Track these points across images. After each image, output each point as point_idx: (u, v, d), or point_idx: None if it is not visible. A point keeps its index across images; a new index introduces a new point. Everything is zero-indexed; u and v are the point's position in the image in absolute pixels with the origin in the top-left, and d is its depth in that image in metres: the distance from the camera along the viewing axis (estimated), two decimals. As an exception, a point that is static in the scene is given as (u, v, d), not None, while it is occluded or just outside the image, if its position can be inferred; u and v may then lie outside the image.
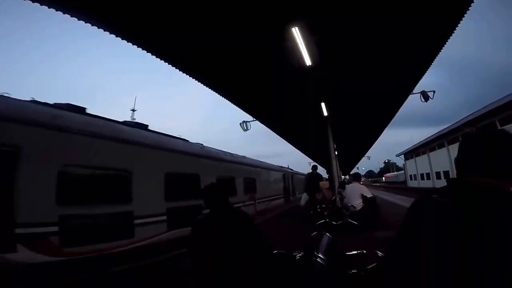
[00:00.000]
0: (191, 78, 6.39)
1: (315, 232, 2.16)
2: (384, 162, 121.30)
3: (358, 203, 6.67)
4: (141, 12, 4.07)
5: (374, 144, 20.55)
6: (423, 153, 33.72)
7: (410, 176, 40.97)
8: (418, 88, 8.32)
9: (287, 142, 16.30)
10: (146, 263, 4.56)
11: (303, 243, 2.12)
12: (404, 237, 0.97)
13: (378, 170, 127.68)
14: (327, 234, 2.11)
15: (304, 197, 8.96)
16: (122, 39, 4.58)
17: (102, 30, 4.29)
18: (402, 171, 52.21)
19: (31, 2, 3.43)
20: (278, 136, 14.02)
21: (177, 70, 5.90)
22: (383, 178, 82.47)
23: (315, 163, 11.85)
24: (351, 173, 33.70)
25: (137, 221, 4.93)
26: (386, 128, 14.04)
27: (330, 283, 1.70)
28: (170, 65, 5.65)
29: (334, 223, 6.70)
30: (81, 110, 5.20)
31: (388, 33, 5.02)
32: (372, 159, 33.50)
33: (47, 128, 3.95)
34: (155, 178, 5.81)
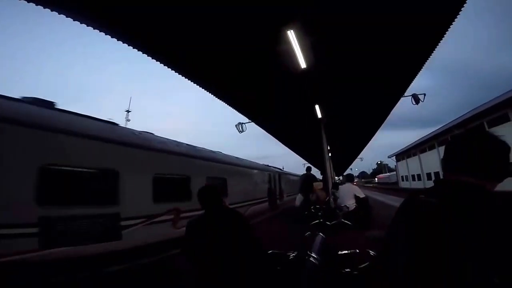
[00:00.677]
0: (189, 81, 6.44)
1: (309, 232, 2.20)
2: (377, 163, 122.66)
3: (351, 204, 6.76)
4: (137, 13, 4.08)
5: (367, 146, 20.81)
6: (414, 154, 34.19)
7: (402, 177, 41.47)
8: (410, 91, 8.49)
9: (282, 144, 16.42)
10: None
11: (297, 243, 2.16)
12: (393, 236, 1.00)
13: (371, 171, 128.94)
14: (321, 234, 2.15)
15: (299, 198, 9.04)
16: (118, 40, 4.58)
17: (98, 31, 4.29)
18: (394, 172, 52.84)
19: (26, 2, 3.41)
20: (274, 138, 14.12)
21: (173, 72, 5.91)
22: (376, 179, 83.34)
23: (309, 165, 11.71)
24: (344, 174, 34.03)
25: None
26: (378, 130, 14.24)
27: (323, 282, 1.74)
28: (166, 67, 5.65)
29: (328, 223, 6.79)
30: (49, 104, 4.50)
31: (381, 36, 5.12)
32: (365, 160, 33.83)
33: None
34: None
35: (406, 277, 0.84)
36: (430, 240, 0.81)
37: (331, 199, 8.21)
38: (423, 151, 30.96)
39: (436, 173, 26.03)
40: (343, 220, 6.76)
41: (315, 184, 9.38)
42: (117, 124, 5.76)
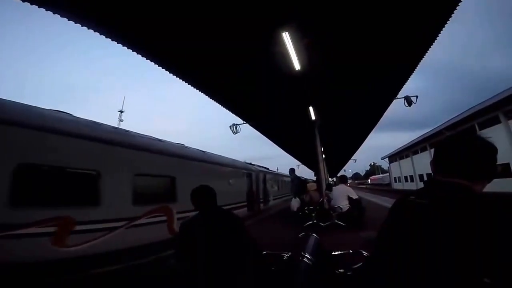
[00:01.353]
0: (184, 83, 6.43)
1: (303, 233, 2.21)
2: (370, 165, 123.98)
3: (344, 205, 6.81)
4: (131, 13, 4.05)
5: (360, 147, 21.03)
6: (407, 156, 34.65)
7: (395, 178, 41.95)
8: (402, 93, 8.61)
9: (276, 146, 16.46)
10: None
11: (291, 244, 2.17)
12: (385, 237, 1.02)
13: (364, 172, 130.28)
14: (314, 235, 2.16)
15: (296, 201, 8.90)
16: (112, 40, 4.55)
17: (92, 30, 4.25)
18: (387, 174, 53.37)
19: (20, 1, 3.37)
20: (268, 140, 14.17)
21: (167, 72, 5.89)
22: (369, 180, 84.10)
23: (292, 167, 11.34)
24: (338, 175, 34.25)
25: None
26: (371, 132, 14.41)
27: (317, 283, 1.75)
28: (160, 67, 5.63)
29: (321, 224, 6.83)
30: None
31: (374, 39, 5.20)
32: (358, 162, 34.11)
33: None
34: None
35: (399, 277, 0.85)
36: (421, 240, 0.82)
37: (325, 200, 8.26)
38: (416, 152, 31.41)
39: (429, 174, 26.08)
40: (336, 221, 6.81)
41: (308, 185, 9.39)
42: None
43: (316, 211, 7.49)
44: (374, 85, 7.49)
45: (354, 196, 6.94)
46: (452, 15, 4.64)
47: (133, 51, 4.93)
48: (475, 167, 0.88)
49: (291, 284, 1.59)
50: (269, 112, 9.45)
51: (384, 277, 0.92)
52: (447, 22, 4.84)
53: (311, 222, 7.06)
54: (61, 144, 4.14)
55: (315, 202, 8.19)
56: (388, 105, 9.88)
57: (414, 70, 6.90)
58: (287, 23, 4.46)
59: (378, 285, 0.96)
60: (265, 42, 4.99)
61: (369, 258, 1.49)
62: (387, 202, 14.64)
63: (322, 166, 10.60)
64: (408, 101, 8.53)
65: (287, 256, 2.05)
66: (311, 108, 8.97)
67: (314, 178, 16.00)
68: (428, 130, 26.15)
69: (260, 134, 12.78)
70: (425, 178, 27.45)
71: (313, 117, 9.65)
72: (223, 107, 8.74)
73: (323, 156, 13.91)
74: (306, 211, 7.59)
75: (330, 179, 30.93)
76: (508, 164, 15.40)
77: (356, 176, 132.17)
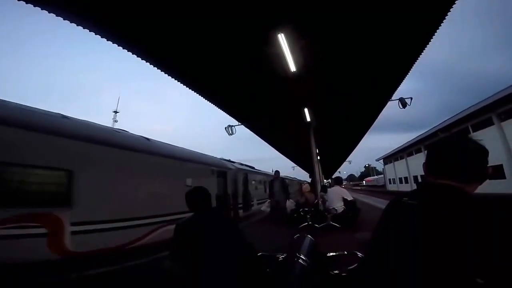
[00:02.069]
0: (180, 84, 6.41)
1: (298, 235, 2.21)
2: (365, 167, 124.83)
3: (339, 206, 6.83)
4: (127, 12, 4.03)
5: (355, 149, 21.15)
6: (401, 158, 34.94)
7: (389, 180, 42.24)
8: (397, 95, 8.69)
9: (272, 148, 16.46)
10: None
11: (286, 245, 2.17)
12: (379, 238, 1.02)
13: (359, 174, 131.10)
14: (309, 236, 2.17)
15: (291, 203, 8.91)
16: (107, 40, 4.52)
17: (88, 30, 4.22)
18: (382, 175, 53.75)
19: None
20: (264, 142, 14.15)
21: (163, 73, 5.87)
22: (364, 182, 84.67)
23: (277, 169, 9.72)
24: (333, 177, 34.39)
25: None
26: (366, 133, 14.50)
27: (312, 284, 1.75)
28: (156, 67, 5.61)
29: (316, 225, 6.83)
30: None
31: (369, 41, 5.25)
32: (353, 164, 34.29)
33: None
34: None
35: (393, 278, 0.85)
36: (414, 241, 0.82)
37: (320, 202, 8.28)
38: (410, 154, 31.69)
39: (423, 176, 26.59)
40: (331, 222, 6.82)
41: (303, 186, 9.40)
42: None
43: (311, 212, 7.50)
44: (368, 87, 7.55)
45: (349, 198, 6.97)
46: (446, 17, 4.69)
47: (128, 51, 4.90)
48: (466, 169, 0.89)
49: (286, 285, 1.59)
50: (265, 113, 9.46)
51: (379, 278, 0.92)
52: (441, 24, 4.89)
53: (306, 223, 7.06)
54: None
55: (310, 203, 8.21)
56: (383, 107, 9.96)
57: (408, 72, 6.97)
58: (283, 25, 4.48)
59: (373, 286, 0.96)
60: (261, 44, 5.00)
61: (364, 259, 1.49)
62: (381, 203, 14.73)
63: (317, 168, 10.63)
64: (403, 102, 8.60)
65: (282, 257, 2.05)
66: (306, 110, 9.01)
67: (309, 180, 16.03)
68: (423, 131, 26.49)
69: (256, 136, 12.77)
70: (420, 180, 27.74)
71: (308, 119, 9.69)
72: (218, 108, 8.72)
73: (318, 157, 13.97)
74: (301, 213, 7.60)
75: (325, 180, 31.07)
76: (501, 165, 15.61)
77: (351, 177, 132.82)
